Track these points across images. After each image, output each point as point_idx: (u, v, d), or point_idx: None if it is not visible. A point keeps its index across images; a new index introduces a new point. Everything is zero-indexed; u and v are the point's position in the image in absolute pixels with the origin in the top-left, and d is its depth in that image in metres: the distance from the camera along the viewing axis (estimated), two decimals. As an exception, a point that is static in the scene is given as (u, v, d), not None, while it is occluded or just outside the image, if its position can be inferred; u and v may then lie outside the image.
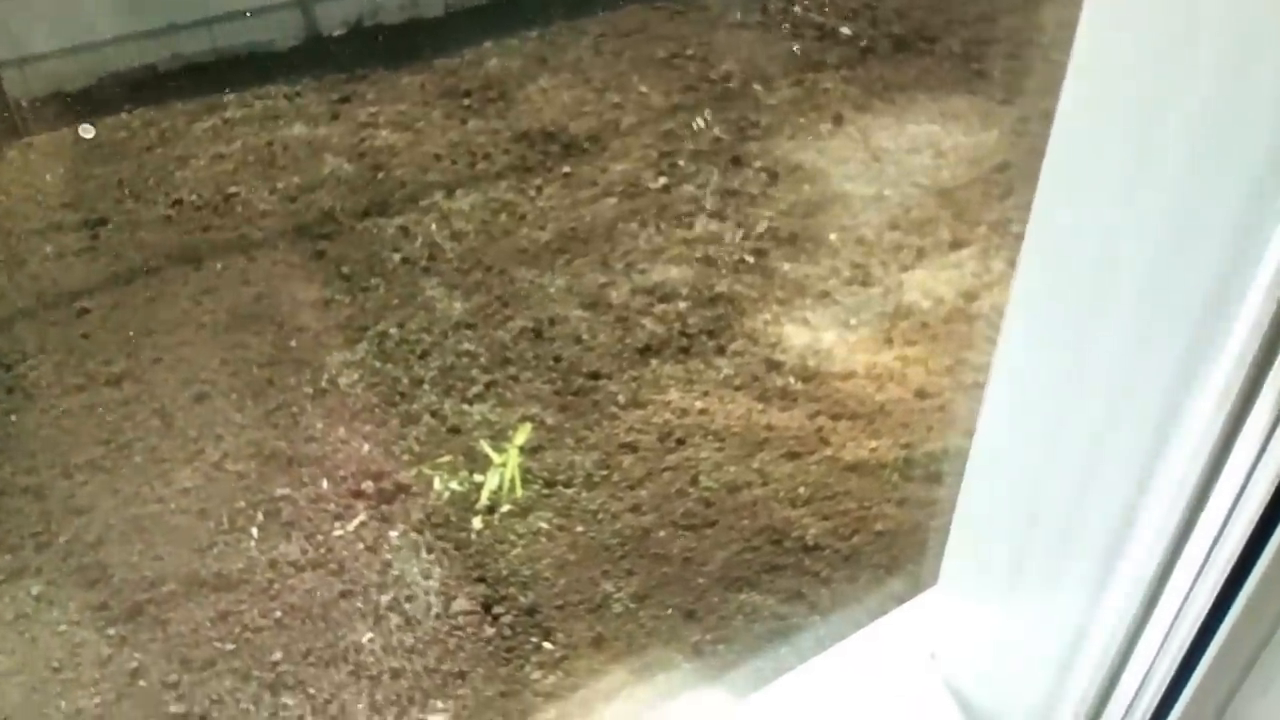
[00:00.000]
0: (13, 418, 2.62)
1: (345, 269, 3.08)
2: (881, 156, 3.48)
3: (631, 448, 2.54)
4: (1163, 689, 0.51)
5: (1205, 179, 0.45)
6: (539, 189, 3.38)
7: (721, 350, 2.80)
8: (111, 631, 2.15)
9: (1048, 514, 0.57)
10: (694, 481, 2.45)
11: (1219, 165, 0.44)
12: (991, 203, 3.27)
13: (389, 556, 2.31)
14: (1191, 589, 0.47)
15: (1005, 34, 4.04)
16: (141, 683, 2.07)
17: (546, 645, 2.14)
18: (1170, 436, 0.47)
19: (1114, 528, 0.51)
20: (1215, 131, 0.44)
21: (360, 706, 2.04)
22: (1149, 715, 0.52)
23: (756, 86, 3.82)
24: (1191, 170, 0.46)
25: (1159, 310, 0.46)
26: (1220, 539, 0.45)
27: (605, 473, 2.48)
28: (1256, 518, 0.44)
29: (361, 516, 2.38)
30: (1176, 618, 0.48)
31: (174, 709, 2.02)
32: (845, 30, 4.10)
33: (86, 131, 3.38)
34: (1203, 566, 0.46)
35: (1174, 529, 0.47)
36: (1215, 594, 0.46)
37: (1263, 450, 0.43)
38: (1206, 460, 0.45)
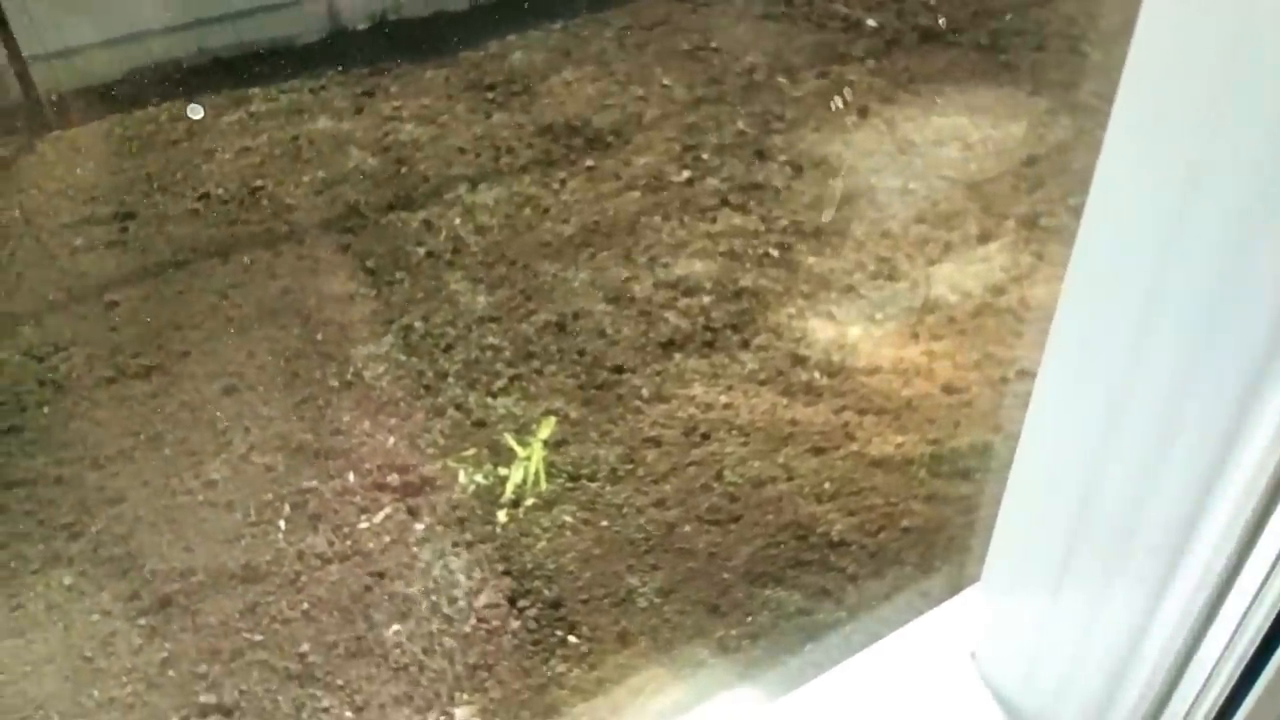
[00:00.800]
0: (44, 409, 2.65)
1: (370, 263, 3.09)
2: (907, 149, 3.45)
3: (656, 442, 2.53)
4: (1224, 696, 0.50)
5: (1271, 176, 0.44)
6: (562, 182, 3.38)
7: (746, 344, 2.79)
8: (142, 622, 2.17)
9: (1103, 511, 0.55)
10: (718, 476, 2.44)
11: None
12: (1020, 196, 3.24)
13: (415, 549, 2.32)
14: (1259, 591, 0.46)
15: (1034, 26, 3.99)
16: (171, 672, 2.09)
17: (571, 639, 2.14)
18: (1241, 432, 0.45)
19: (1178, 526, 0.50)
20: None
21: (387, 699, 2.05)
22: (1212, 718, 0.51)
23: (781, 79, 3.80)
24: (1254, 172, 0.45)
25: (1230, 301, 0.45)
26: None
27: (629, 467, 2.47)
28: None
29: (387, 509, 2.40)
30: (1243, 620, 0.47)
31: (204, 699, 2.04)
32: (871, 22, 4.06)
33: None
34: (1273, 566, 0.45)
35: (1241, 530, 0.46)
36: (1285, 598, 0.45)
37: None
38: None
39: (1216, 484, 0.49)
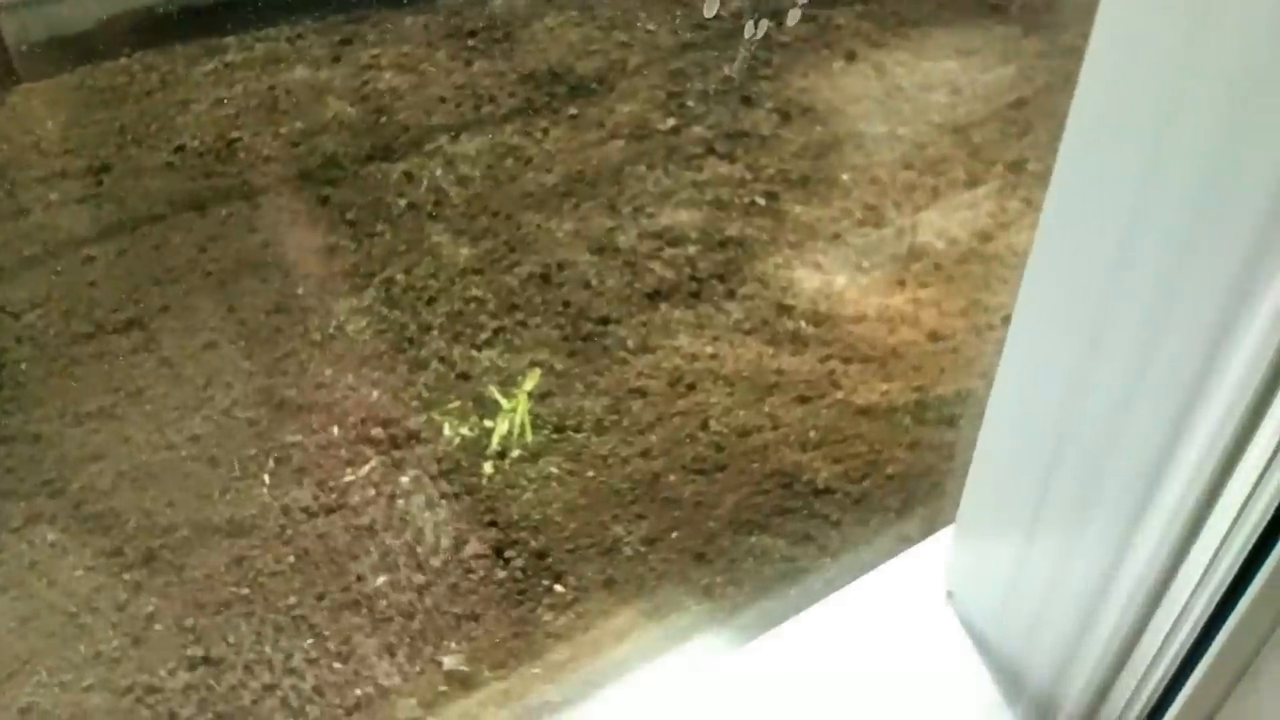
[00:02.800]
0: (22, 366, 2.62)
1: (350, 215, 3.04)
2: (895, 94, 3.40)
3: (641, 393, 2.52)
4: (1198, 629, 0.49)
5: (1247, 115, 0.42)
6: (545, 131, 3.32)
7: (731, 294, 2.77)
8: (127, 577, 2.17)
9: (1076, 451, 0.55)
10: (704, 426, 2.44)
11: (1262, 100, 0.41)
12: (1009, 141, 3.20)
13: (400, 502, 2.31)
14: (1230, 530, 0.45)
15: (1024, -34, 3.91)
16: (158, 626, 2.09)
17: (558, 588, 2.15)
18: (1212, 373, 0.44)
19: (1150, 465, 0.49)
20: (1257, 70, 0.41)
21: (374, 648, 2.06)
22: (1182, 656, 0.50)
23: (767, 23, 3.73)
24: (1230, 110, 0.43)
25: (1203, 241, 0.44)
26: (1264, 477, 0.43)
27: (615, 418, 2.47)
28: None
29: (372, 462, 2.39)
30: (1214, 558, 0.47)
31: (191, 651, 2.05)
32: (859, -37, 3.98)
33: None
34: (1243, 507, 0.44)
35: (1213, 468, 0.45)
36: (1256, 535, 0.44)
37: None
38: (1252, 395, 0.42)
39: (1188, 424, 0.48)
